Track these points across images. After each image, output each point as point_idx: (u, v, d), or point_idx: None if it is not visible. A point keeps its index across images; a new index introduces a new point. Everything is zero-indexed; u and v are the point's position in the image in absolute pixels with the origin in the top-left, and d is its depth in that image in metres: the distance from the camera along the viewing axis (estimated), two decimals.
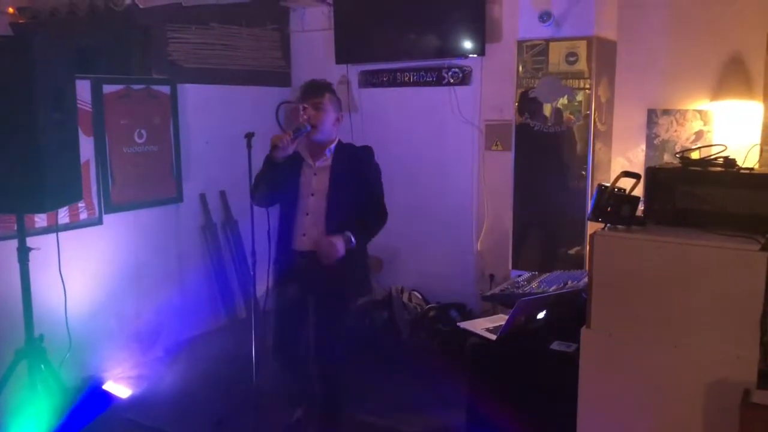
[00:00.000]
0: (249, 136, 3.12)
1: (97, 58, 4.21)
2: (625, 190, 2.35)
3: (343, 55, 5.01)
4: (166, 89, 4.43)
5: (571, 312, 2.63)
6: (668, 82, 3.95)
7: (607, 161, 4.09)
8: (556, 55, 3.84)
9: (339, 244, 2.92)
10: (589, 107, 3.79)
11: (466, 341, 2.82)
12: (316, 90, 3.10)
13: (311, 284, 3.10)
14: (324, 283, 3.05)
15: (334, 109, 3.13)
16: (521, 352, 2.63)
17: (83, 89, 3.84)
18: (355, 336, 3.64)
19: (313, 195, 3.08)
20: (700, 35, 3.82)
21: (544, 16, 3.76)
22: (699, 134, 3.88)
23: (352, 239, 2.96)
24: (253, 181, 3.08)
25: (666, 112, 3.97)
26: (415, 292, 4.82)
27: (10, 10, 4.84)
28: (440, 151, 4.83)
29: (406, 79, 4.87)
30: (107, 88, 4.05)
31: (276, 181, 3.03)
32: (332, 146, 3.13)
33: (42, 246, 3.14)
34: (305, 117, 3.03)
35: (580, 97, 3.81)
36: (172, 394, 3.89)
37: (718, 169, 2.34)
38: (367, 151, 3.23)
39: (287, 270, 3.15)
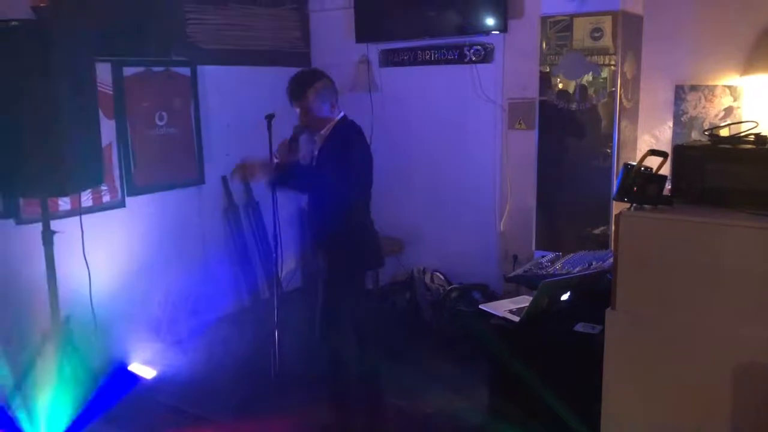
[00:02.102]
0: (270, 117, 3.13)
1: (117, 41, 4.20)
2: (651, 168, 2.29)
3: (363, 34, 4.95)
4: (186, 71, 4.42)
5: (596, 293, 2.59)
6: (696, 56, 3.84)
7: (633, 139, 4.01)
8: (581, 31, 3.75)
9: (254, 164, 3.05)
10: (614, 84, 3.71)
11: (488, 323, 2.79)
12: (297, 93, 3.08)
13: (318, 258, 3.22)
14: (322, 260, 3.16)
15: (323, 99, 3.10)
16: (545, 334, 2.60)
17: (104, 72, 3.85)
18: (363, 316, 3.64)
19: None
20: (730, 8, 3.70)
21: None
22: (728, 110, 3.78)
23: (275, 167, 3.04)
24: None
25: (694, 87, 3.87)
26: (438, 273, 4.80)
27: None
28: (462, 130, 4.78)
29: (427, 57, 4.81)
30: (127, 71, 4.05)
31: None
32: (327, 130, 3.13)
33: (66, 229, 3.17)
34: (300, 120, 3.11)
35: (605, 73, 3.73)
36: (196, 376, 3.93)
37: (749, 146, 2.27)
38: (349, 128, 3.18)
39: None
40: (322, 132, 3.13)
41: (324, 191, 3.11)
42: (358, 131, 3.22)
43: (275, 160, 3.08)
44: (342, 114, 3.20)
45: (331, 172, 3.05)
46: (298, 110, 3.10)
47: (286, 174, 3.09)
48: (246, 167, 3.09)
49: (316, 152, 3.17)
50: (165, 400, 3.67)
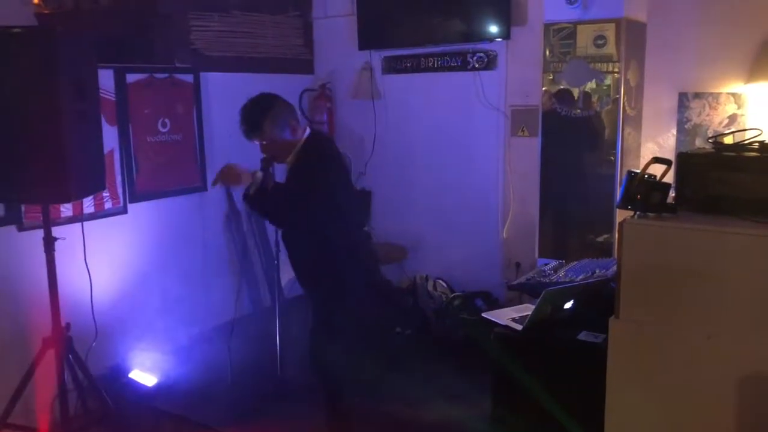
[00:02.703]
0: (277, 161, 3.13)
1: (120, 48, 4.22)
2: (655, 176, 2.27)
3: (366, 41, 4.96)
4: (189, 78, 4.42)
5: (600, 302, 2.57)
6: (700, 64, 3.83)
7: (636, 147, 3.99)
8: (584, 38, 3.74)
9: (238, 171, 3.01)
10: (617, 91, 3.70)
11: (491, 331, 2.77)
12: (250, 129, 3.01)
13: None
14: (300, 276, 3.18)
15: (282, 126, 3.01)
16: (547, 343, 2.58)
17: (106, 78, 3.85)
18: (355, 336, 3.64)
19: None
20: (734, 15, 3.69)
21: None
22: (733, 118, 3.76)
23: (259, 181, 2.99)
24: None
25: (698, 95, 3.85)
26: (440, 281, 4.78)
27: (35, 0, 4.86)
28: (465, 137, 4.77)
29: (430, 64, 4.80)
30: (130, 77, 4.05)
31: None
32: (297, 149, 3.07)
33: (67, 236, 3.16)
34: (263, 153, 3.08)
35: (608, 80, 3.72)
36: (197, 383, 3.91)
37: (753, 154, 2.25)
38: (312, 150, 3.07)
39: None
40: (288, 159, 3.09)
41: (293, 222, 3.06)
42: (322, 150, 3.09)
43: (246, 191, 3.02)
44: (308, 132, 3.11)
45: (297, 200, 2.96)
46: (257, 143, 3.03)
47: (254, 201, 3.06)
48: (230, 172, 3.03)
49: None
50: (165, 407, 3.66)
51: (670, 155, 3.10)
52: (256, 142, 3.07)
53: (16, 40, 2.72)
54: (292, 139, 3.06)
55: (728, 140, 2.49)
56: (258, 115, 3.00)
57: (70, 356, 3.07)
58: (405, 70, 4.93)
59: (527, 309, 2.79)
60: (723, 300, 2.08)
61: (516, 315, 2.77)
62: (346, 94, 5.28)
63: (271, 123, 2.99)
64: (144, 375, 3.91)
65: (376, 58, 5.04)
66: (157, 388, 3.86)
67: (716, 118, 3.81)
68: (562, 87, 3.84)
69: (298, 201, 2.95)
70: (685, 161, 2.31)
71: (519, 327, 2.65)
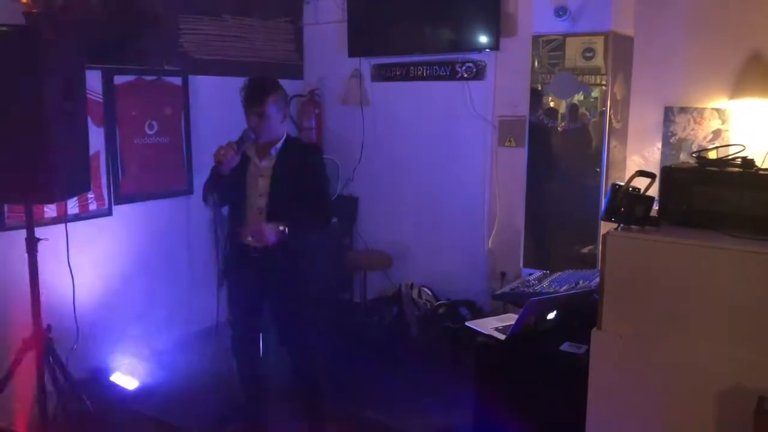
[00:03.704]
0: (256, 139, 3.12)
1: (109, 48, 4.19)
2: (639, 189, 2.29)
3: (356, 49, 4.97)
4: (177, 80, 4.42)
5: (583, 313, 2.58)
6: (686, 79, 3.87)
7: (622, 159, 4.02)
8: (573, 50, 3.78)
9: (267, 228, 2.97)
10: (604, 104, 3.73)
11: (474, 340, 2.77)
12: (256, 98, 3.03)
13: (265, 280, 3.13)
14: (274, 276, 3.09)
15: (279, 109, 3.08)
16: (530, 353, 2.59)
17: (94, 79, 3.83)
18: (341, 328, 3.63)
19: (261, 196, 3.09)
20: (720, 32, 3.74)
21: (560, 11, 3.70)
22: (717, 133, 3.80)
23: (285, 229, 2.99)
24: (203, 190, 3.13)
25: (683, 110, 3.90)
26: (425, 289, 4.79)
27: None
28: (452, 146, 4.79)
29: (419, 73, 4.82)
30: (118, 79, 4.04)
31: (224, 190, 3.07)
32: (278, 145, 3.11)
33: (51, 237, 3.14)
34: (249, 126, 3.04)
35: (596, 93, 3.75)
36: (179, 387, 3.89)
37: (736, 169, 2.28)
38: (312, 149, 3.28)
39: (237, 265, 3.20)
40: (278, 146, 3.10)
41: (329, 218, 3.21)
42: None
43: (216, 160, 2.99)
44: (286, 135, 3.17)
45: (319, 188, 3.10)
46: (250, 117, 3.04)
47: (297, 225, 3.04)
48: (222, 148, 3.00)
49: (262, 163, 3.11)
50: (147, 411, 3.63)
51: (656, 168, 3.12)
52: (250, 116, 3.05)
53: (3, 38, 2.71)
54: (280, 127, 3.10)
55: (712, 155, 2.51)
56: (266, 87, 3.06)
57: (51, 358, 3.04)
58: (394, 78, 4.95)
59: (511, 318, 2.79)
60: (704, 313, 2.10)
61: (499, 324, 2.78)
62: (334, 101, 5.29)
63: (274, 100, 3.05)
64: (125, 378, 3.89)
65: (366, 65, 5.06)
66: (139, 391, 3.84)
67: (701, 133, 3.85)
68: (550, 100, 3.87)
69: (329, 191, 3.16)
70: (669, 175, 2.33)
71: (502, 337, 2.65)
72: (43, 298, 3.04)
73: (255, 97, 3.02)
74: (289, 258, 3.08)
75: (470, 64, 4.62)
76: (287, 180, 3.07)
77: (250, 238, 3.05)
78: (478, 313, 4.38)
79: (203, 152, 4.57)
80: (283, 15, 5.20)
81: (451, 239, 4.84)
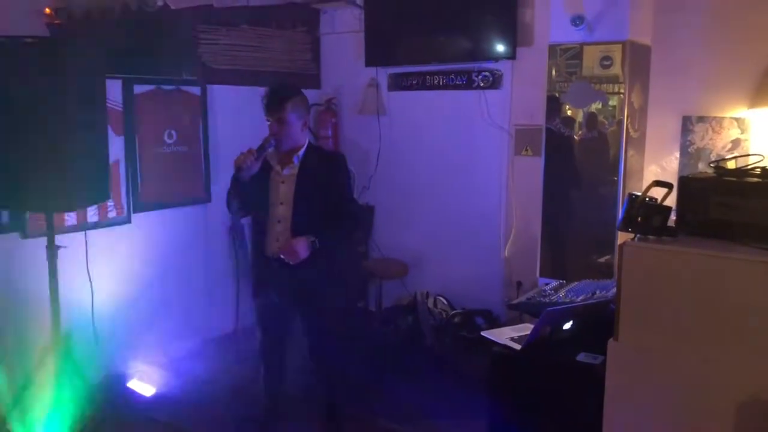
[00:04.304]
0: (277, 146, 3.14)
1: (129, 59, 4.26)
2: (656, 199, 2.28)
3: (372, 58, 4.99)
4: (196, 90, 4.46)
5: (599, 323, 2.57)
6: (704, 88, 3.84)
7: (639, 169, 4.00)
8: (591, 59, 3.77)
9: (300, 245, 2.97)
10: (622, 113, 3.71)
11: (489, 350, 2.77)
12: (276, 103, 3.04)
13: (291, 291, 3.13)
14: (304, 287, 3.08)
15: (299, 116, 3.08)
16: (546, 363, 2.57)
17: (114, 89, 3.88)
18: (361, 336, 3.64)
19: (282, 204, 3.09)
20: (739, 40, 3.71)
21: (577, 20, 3.69)
22: (736, 143, 3.77)
23: (315, 241, 3.00)
24: (226, 197, 3.14)
25: (701, 119, 3.87)
26: (441, 298, 4.78)
27: (47, 11, 4.92)
28: (469, 155, 4.79)
29: (436, 82, 4.83)
30: (138, 89, 4.09)
31: (246, 198, 3.08)
32: (300, 152, 3.11)
33: (70, 244, 3.18)
34: (270, 132, 3.05)
35: (613, 102, 3.73)
36: (196, 394, 3.90)
37: (755, 179, 2.26)
38: (336, 157, 3.26)
39: (265, 278, 3.19)
40: (299, 153, 3.10)
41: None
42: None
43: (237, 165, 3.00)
44: (308, 143, 3.18)
45: (345, 195, 3.13)
46: (271, 122, 3.06)
47: (329, 238, 3.07)
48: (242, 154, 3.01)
49: (284, 171, 3.11)
50: (162, 418, 3.65)
51: (673, 178, 3.10)
52: (270, 122, 3.07)
53: (27, 49, 2.76)
54: (301, 135, 3.11)
55: (731, 165, 2.49)
56: (286, 92, 3.08)
57: (69, 364, 3.07)
58: (410, 87, 4.97)
59: (527, 328, 2.78)
60: (721, 325, 2.08)
61: (515, 334, 2.76)
62: (351, 110, 5.31)
63: (293, 106, 3.05)
64: (142, 385, 3.91)
65: (382, 74, 5.08)
66: (155, 398, 3.86)
67: (719, 143, 3.82)
68: (567, 109, 3.86)
69: (358, 206, 3.19)
70: (687, 185, 2.31)
71: (518, 347, 2.64)
72: (62, 303, 3.07)
73: (274, 102, 3.04)
74: (317, 268, 3.07)
75: (487, 73, 4.63)
76: (311, 187, 3.07)
77: (282, 256, 3.03)
78: (494, 323, 4.36)
79: (221, 161, 4.62)
80: (300, 25, 5.24)
81: (467, 248, 4.83)
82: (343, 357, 3.26)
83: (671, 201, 2.30)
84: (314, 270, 3.06)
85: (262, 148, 3.02)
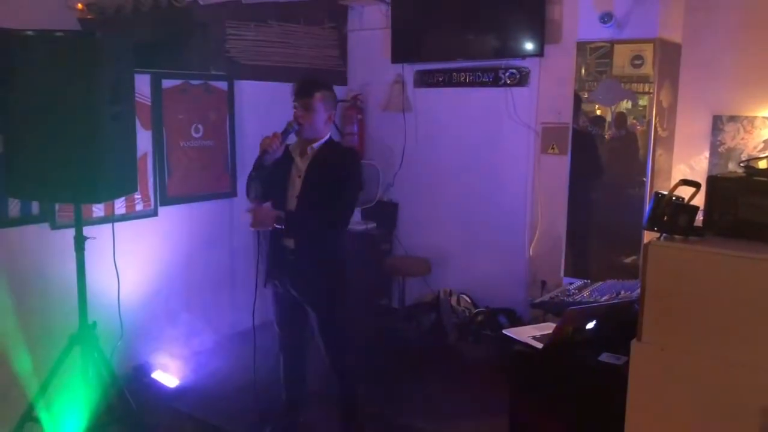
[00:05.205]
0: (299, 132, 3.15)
1: (158, 54, 4.31)
2: (683, 198, 2.25)
3: (399, 55, 4.99)
4: (223, 85, 4.50)
5: (623, 323, 2.54)
6: (736, 87, 3.78)
7: (667, 168, 3.94)
8: (621, 57, 3.72)
9: (262, 211, 2.98)
10: (651, 112, 3.66)
11: (511, 348, 2.75)
12: (306, 89, 3.07)
13: (299, 282, 3.15)
14: (310, 280, 3.10)
15: (326, 108, 3.10)
16: (567, 363, 2.55)
17: (143, 83, 3.93)
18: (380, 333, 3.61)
19: (296, 196, 3.11)
20: None
21: (606, 17, 3.65)
22: None
23: (282, 216, 3.00)
24: (246, 182, 3.17)
25: (732, 118, 3.80)
26: (464, 296, 4.77)
27: (79, 6, 5.00)
28: (494, 153, 4.76)
29: (462, 79, 4.82)
30: (166, 83, 4.13)
31: (266, 183, 3.09)
32: (315, 145, 3.11)
33: (98, 235, 3.21)
34: (294, 116, 3.06)
35: (644, 101, 3.68)
36: (219, 387, 3.94)
37: None
38: (348, 153, 3.23)
39: (275, 268, 3.21)
40: (314, 145, 3.11)
41: (346, 220, 3.16)
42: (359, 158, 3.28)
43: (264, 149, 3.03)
44: (329, 136, 3.18)
45: (343, 195, 3.08)
46: (298, 107, 3.07)
47: (297, 221, 3.06)
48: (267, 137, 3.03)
49: (301, 163, 3.12)
50: (186, 409, 3.69)
51: (702, 178, 3.05)
52: (296, 106, 3.09)
53: (58, 43, 2.80)
54: (324, 127, 3.12)
55: (762, 165, 2.44)
56: (318, 82, 3.13)
57: (96, 354, 3.12)
58: (436, 84, 4.95)
59: (549, 327, 2.76)
60: (748, 328, 2.04)
61: (537, 333, 2.75)
62: (377, 107, 5.31)
63: (322, 97, 3.08)
64: (166, 376, 3.96)
65: (409, 71, 5.07)
66: (179, 389, 3.91)
67: (751, 142, 3.75)
68: (596, 108, 3.82)
69: (354, 201, 3.14)
70: (715, 184, 2.27)
71: (539, 345, 2.62)
72: (89, 294, 3.12)
73: (305, 87, 3.08)
74: (318, 265, 3.09)
75: (513, 71, 4.60)
76: (318, 180, 3.07)
77: (250, 216, 3.05)
78: (518, 322, 4.34)
79: (247, 156, 4.65)
80: (327, 21, 5.25)
81: (491, 246, 4.81)
82: (357, 355, 3.25)
83: (699, 201, 2.26)
84: (315, 267, 3.09)
85: (286, 132, 3.06)
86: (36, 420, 3.09)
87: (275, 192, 3.13)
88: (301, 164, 3.13)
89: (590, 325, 2.63)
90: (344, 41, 5.41)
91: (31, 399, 3.10)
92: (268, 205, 3.03)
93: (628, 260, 3.78)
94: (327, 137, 3.16)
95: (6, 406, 3.22)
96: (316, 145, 3.12)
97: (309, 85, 3.10)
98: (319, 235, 3.10)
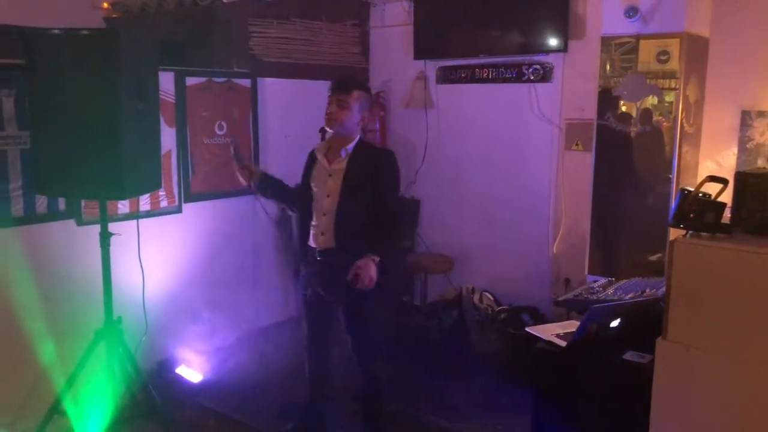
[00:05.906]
0: (323, 131, 3.14)
1: (182, 51, 4.34)
2: (710, 195, 2.21)
3: (421, 51, 4.97)
4: (246, 82, 4.52)
5: (648, 321, 2.51)
6: (765, 81, 3.70)
7: (694, 165, 3.88)
8: (647, 53, 3.66)
9: (370, 270, 2.89)
10: (677, 108, 3.60)
11: (534, 346, 2.73)
12: (345, 85, 3.03)
13: (332, 284, 3.08)
14: (344, 283, 3.00)
15: (360, 108, 3.04)
16: (591, 361, 2.53)
17: (167, 81, 3.97)
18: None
19: (328, 197, 3.06)
20: None
21: (631, 12, 3.60)
22: None
23: (378, 260, 2.92)
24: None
25: (761, 113, 3.73)
26: (487, 293, 4.74)
27: (105, 5, 5.06)
28: (517, 149, 4.73)
29: (485, 75, 4.78)
30: (190, 81, 4.16)
31: (277, 200, 3.25)
32: (349, 146, 3.06)
33: (123, 232, 3.25)
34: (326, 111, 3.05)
35: (670, 97, 3.62)
36: (242, 382, 3.97)
37: None
38: (387, 155, 3.17)
39: (307, 270, 3.19)
40: (348, 147, 3.06)
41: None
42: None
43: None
44: (359, 137, 3.15)
45: (391, 199, 3.08)
46: (332, 102, 3.03)
47: (389, 252, 3.04)
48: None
49: (331, 165, 3.09)
50: (210, 404, 3.72)
51: (730, 175, 3.00)
52: (331, 102, 3.06)
53: (84, 41, 2.84)
54: (354, 127, 3.08)
55: None
56: (356, 82, 3.14)
57: (121, 349, 3.16)
58: (459, 80, 4.93)
59: (572, 325, 2.74)
60: None
61: (561, 331, 2.73)
62: (399, 103, 5.30)
63: (359, 95, 3.05)
64: (190, 371, 3.99)
65: (431, 67, 5.05)
66: (203, 385, 3.94)
67: None
68: (622, 104, 3.77)
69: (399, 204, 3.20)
70: (743, 181, 2.23)
71: (563, 343, 2.60)
72: (114, 290, 3.16)
73: (344, 84, 3.05)
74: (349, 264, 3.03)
75: (537, 66, 4.56)
76: (358, 182, 3.03)
77: (358, 287, 2.93)
78: (541, 320, 4.30)
79: (270, 153, 4.68)
80: (350, 18, 5.25)
81: (514, 244, 4.78)
82: (384, 355, 3.23)
83: (726, 197, 2.22)
84: (346, 266, 2.99)
85: (236, 156, 3.20)
86: (63, 413, 3.14)
87: (301, 195, 3.14)
88: (331, 164, 3.08)
89: (615, 323, 2.60)
90: (366, 38, 5.41)
91: (58, 392, 3.14)
92: (368, 264, 2.91)
93: (654, 258, 3.73)
94: (357, 138, 3.12)
95: (34, 399, 3.28)
96: (350, 147, 3.07)
97: (348, 81, 3.08)
98: (359, 235, 3.04)
